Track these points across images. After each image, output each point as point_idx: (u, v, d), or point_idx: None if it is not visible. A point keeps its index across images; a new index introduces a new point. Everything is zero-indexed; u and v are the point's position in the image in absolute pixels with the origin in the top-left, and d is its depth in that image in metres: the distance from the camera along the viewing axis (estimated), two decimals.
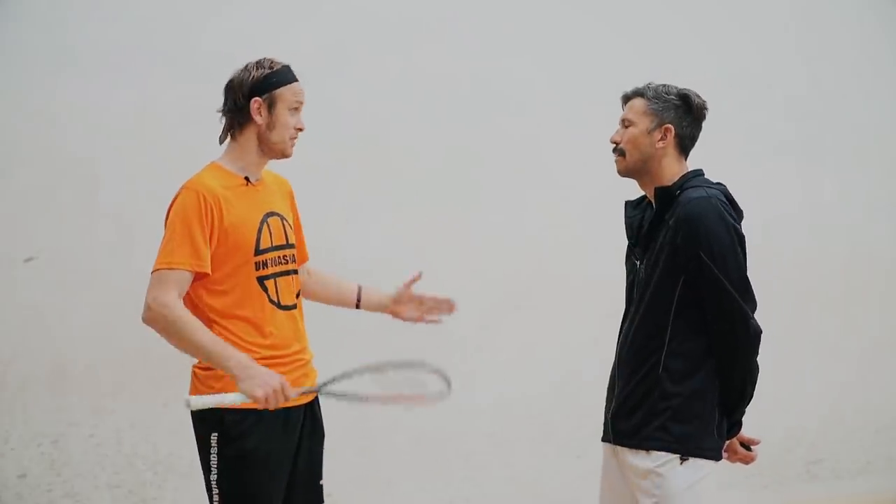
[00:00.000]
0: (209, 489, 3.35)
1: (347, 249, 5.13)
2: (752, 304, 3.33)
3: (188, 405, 3.14)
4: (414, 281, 3.73)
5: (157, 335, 3.30)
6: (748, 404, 3.40)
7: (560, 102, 5.77)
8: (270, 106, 3.39)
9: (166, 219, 3.35)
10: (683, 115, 3.44)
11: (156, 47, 5.05)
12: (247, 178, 3.42)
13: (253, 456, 3.32)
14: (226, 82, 3.43)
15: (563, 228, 5.76)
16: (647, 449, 3.35)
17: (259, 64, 3.42)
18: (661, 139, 3.43)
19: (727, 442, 3.50)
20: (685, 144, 3.47)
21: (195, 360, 3.40)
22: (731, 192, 3.47)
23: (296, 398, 3.39)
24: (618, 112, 3.52)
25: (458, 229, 5.55)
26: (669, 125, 3.42)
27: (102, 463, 4.95)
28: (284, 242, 3.46)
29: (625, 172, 3.49)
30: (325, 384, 3.31)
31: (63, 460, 4.89)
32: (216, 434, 3.32)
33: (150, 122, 5.03)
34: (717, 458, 3.39)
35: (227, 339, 3.28)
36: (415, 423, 5.47)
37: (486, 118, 5.64)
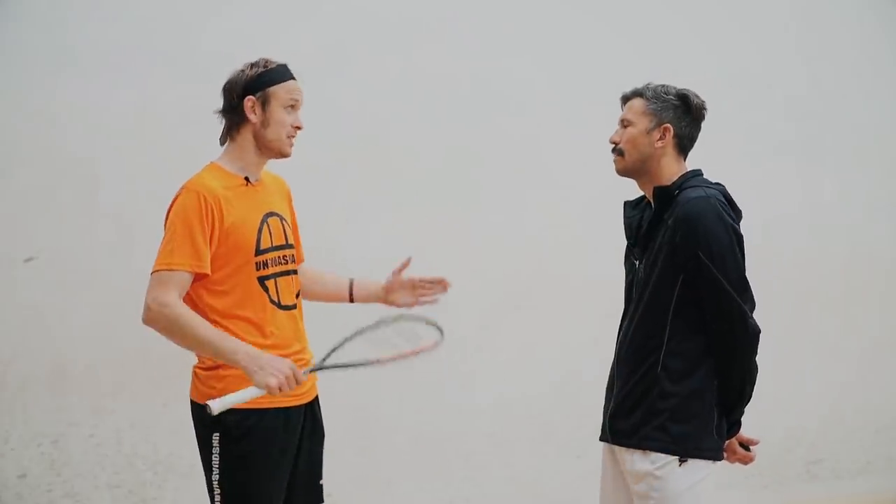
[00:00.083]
0: (210, 489, 3.36)
1: (347, 249, 5.13)
2: (751, 303, 3.33)
3: (210, 411, 3.13)
4: (404, 267, 3.72)
5: (158, 335, 3.30)
6: (747, 404, 3.41)
7: (560, 102, 5.77)
8: (264, 104, 3.39)
9: (166, 219, 3.35)
10: (682, 114, 3.45)
11: (156, 47, 5.05)
12: (247, 179, 3.42)
13: (254, 456, 3.33)
14: (224, 83, 3.44)
15: (563, 228, 5.76)
16: (645, 449, 3.35)
17: (254, 64, 3.43)
18: (660, 139, 3.43)
19: (728, 443, 3.50)
20: (684, 144, 3.47)
21: (196, 361, 3.40)
22: (730, 191, 3.47)
23: (297, 396, 3.40)
24: (618, 112, 3.52)
25: (458, 229, 5.55)
26: (668, 125, 3.43)
27: (102, 463, 4.95)
28: (284, 242, 3.46)
29: (623, 172, 3.50)
30: (327, 356, 3.32)
31: (63, 460, 4.90)
32: (218, 434, 3.32)
33: (150, 122, 5.03)
34: (718, 458, 3.40)
35: None
36: (415, 423, 5.47)
37: (486, 118, 5.64)
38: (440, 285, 3.74)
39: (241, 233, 3.34)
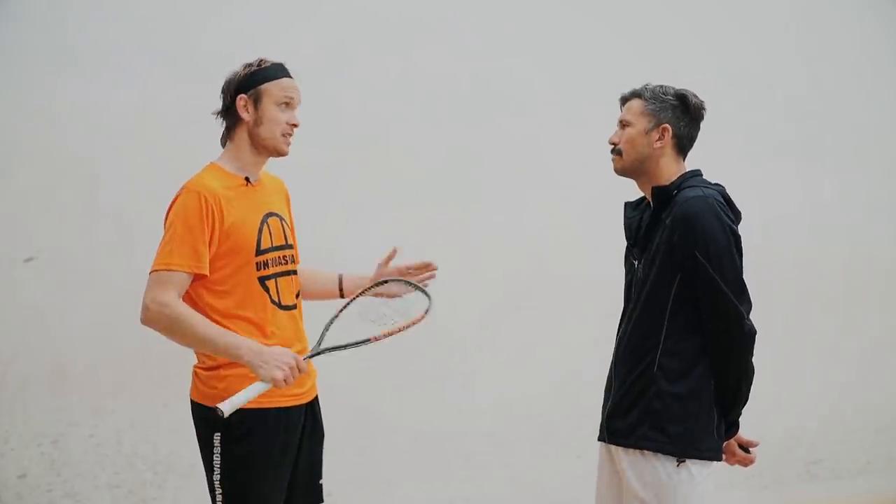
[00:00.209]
0: (212, 489, 3.36)
1: (347, 249, 5.13)
2: (747, 304, 3.33)
3: (220, 413, 3.12)
4: (389, 258, 3.71)
5: (157, 335, 3.30)
6: (744, 405, 3.40)
7: (560, 102, 5.77)
8: (256, 102, 3.39)
9: (166, 219, 3.35)
10: (681, 115, 3.45)
11: (156, 47, 5.05)
12: (247, 179, 3.42)
13: (255, 456, 3.33)
14: (222, 85, 3.45)
15: (563, 228, 5.76)
16: (642, 449, 3.35)
17: (249, 64, 3.43)
18: (659, 139, 3.44)
19: (726, 444, 3.50)
20: (683, 144, 3.47)
21: (196, 361, 3.40)
22: (730, 192, 3.47)
23: (297, 395, 3.41)
24: (617, 112, 3.53)
25: (458, 229, 5.55)
26: (667, 125, 3.43)
27: (102, 463, 4.95)
28: (284, 243, 3.46)
29: (622, 172, 3.50)
30: (320, 339, 3.34)
31: (63, 460, 4.90)
32: (219, 434, 3.32)
33: (150, 122, 5.03)
34: (716, 458, 3.39)
35: None
36: (415, 423, 5.47)
37: (486, 118, 5.64)
38: (428, 270, 3.73)
39: (241, 233, 3.34)
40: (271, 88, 3.39)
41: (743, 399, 3.38)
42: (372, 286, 3.57)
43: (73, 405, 4.91)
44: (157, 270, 3.26)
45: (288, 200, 3.63)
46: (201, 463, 3.38)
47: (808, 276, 6.27)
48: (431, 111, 5.55)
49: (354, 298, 3.50)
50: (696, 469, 3.34)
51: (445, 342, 5.51)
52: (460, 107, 5.59)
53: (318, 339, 3.35)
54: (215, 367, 3.32)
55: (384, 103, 5.45)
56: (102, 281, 4.91)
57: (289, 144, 3.43)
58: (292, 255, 3.50)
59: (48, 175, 4.90)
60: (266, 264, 3.39)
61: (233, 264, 3.33)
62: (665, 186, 3.41)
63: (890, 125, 6.49)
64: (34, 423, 4.87)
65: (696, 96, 3.48)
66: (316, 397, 3.54)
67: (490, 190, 5.66)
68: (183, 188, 3.34)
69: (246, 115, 3.39)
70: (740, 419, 3.44)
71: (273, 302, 3.39)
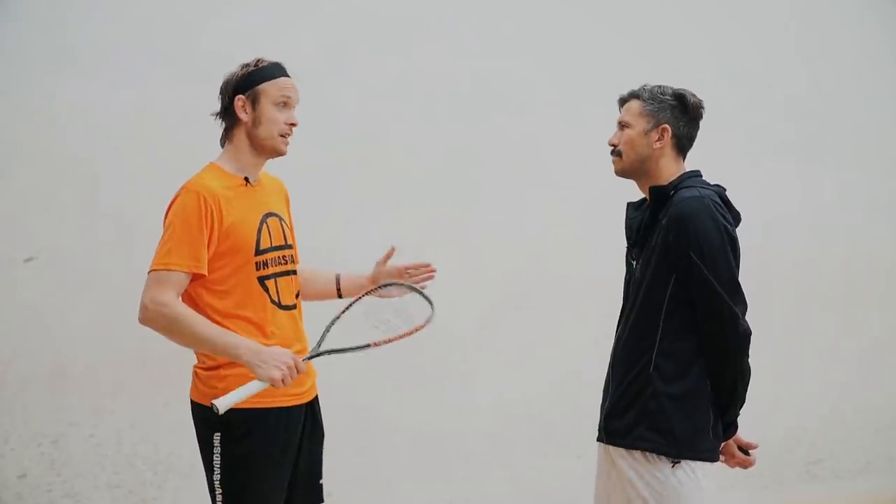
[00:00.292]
0: (212, 489, 3.36)
1: (347, 249, 5.12)
2: (742, 305, 3.32)
3: (216, 410, 3.13)
4: (387, 257, 3.71)
5: (158, 335, 3.30)
6: (741, 406, 3.40)
7: (560, 102, 5.77)
8: (254, 102, 3.39)
9: (165, 219, 3.35)
10: (680, 114, 3.45)
11: (156, 47, 5.05)
12: (246, 179, 3.42)
13: (255, 456, 3.33)
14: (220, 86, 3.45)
15: (563, 228, 5.76)
16: (639, 449, 3.35)
17: (246, 64, 3.43)
18: (658, 139, 3.44)
19: (725, 446, 3.50)
20: (682, 144, 3.47)
21: (196, 361, 3.40)
22: (730, 192, 3.47)
23: (297, 395, 3.41)
24: (618, 112, 3.53)
25: (458, 229, 5.55)
26: (666, 125, 3.44)
27: (102, 463, 4.95)
28: (283, 243, 3.47)
29: (622, 173, 3.51)
30: (321, 340, 3.34)
31: (63, 460, 4.89)
32: (219, 434, 3.32)
33: (150, 122, 5.03)
34: (713, 459, 3.39)
35: None
36: (415, 423, 5.47)
37: (486, 118, 5.64)
38: (427, 271, 3.73)
39: (240, 233, 3.34)
40: (269, 88, 3.39)
41: (739, 399, 3.37)
42: (375, 288, 3.56)
43: (73, 405, 4.91)
44: (155, 270, 3.26)
45: (287, 201, 3.63)
46: (201, 463, 3.38)
47: (808, 276, 6.27)
48: (431, 111, 5.55)
49: (358, 299, 3.49)
50: (694, 470, 3.33)
51: (445, 342, 5.51)
52: (460, 107, 5.59)
53: (318, 340, 3.35)
54: (215, 366, 3.32)
55: (384, 103, 5.45)
56: (102, 281, 4.91)
57: (287, 144, 3.43)
58: (292, 255, 3.50)
59: (48, 175, 4.90)
60: (265, 264, 3.39)
61: (232, 264, 3.33)
62: (662, 187, 3.41)
63: (890, 125, 6.49)
64: (34, 423, 4.86)
65: (694, 96, 3.48)
66: (316, 397, 3.54)
67: (490, 190, 5.66)
68: (182, 188, 3.34)
69: (244, 116, 3.39)
70: (739, 420, 3.44)
71: (273, 302, 3.39)
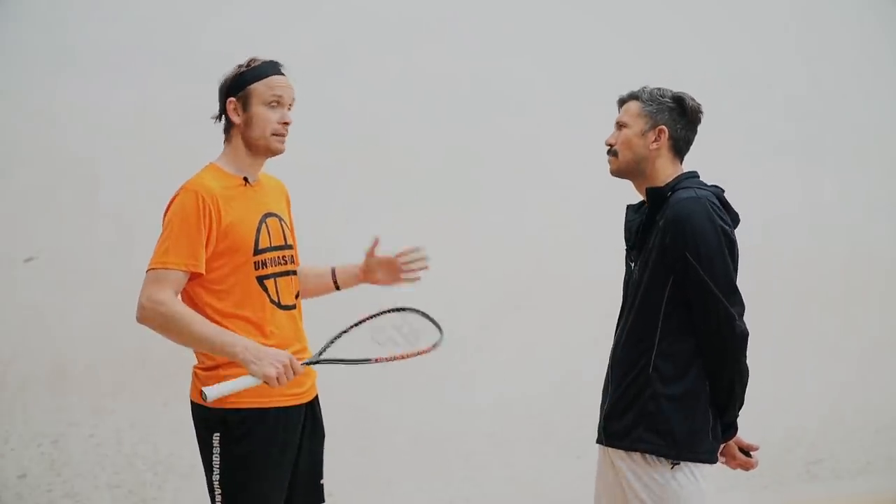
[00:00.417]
0: (211, 489, 3.36)
1: (347, 249, 5.09)
2: (739, 306, 3.32)
3: (205, 398, 3.14)
4: (375, 245, 3.71)
5: (158, 335, 3.30)
6: (740, 407, 3.39)
7: (560, 102, 5.77)
8: (245, 104, 3.39)
9: (164, 218, 3.35)
10: (678, 117, 3.45)
11: (156, 47, 5.05)
12: (245, 179, 3.42)
13: (255, 456, 3.32)
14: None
15: (563, 228, 5.76)
16: (638, 451, 3.34)
17: (239, 65, 3.43)
18: (655, 140, 3.44)
19: (726, 447, 3.49)
20: (679, 147, 3.48)
21: (196, 361, 3.40)
22: (731, 192, 3.47)
23: (297, 395, 3.41)
24: (617, 112, 3.53)
25: (458, 229, 5.55)
26: (663, 127, 3.44)
27: (102, 463, 4.95)
28: (283, 243, 3.47)
29: (617, 173, 3.51)
30: (324, 349, 3.34)
31: (63, 460, 4.89)
32: (218, 434, 3.32)
33: (150, 122, 5.03)
34: (712, 460, 3.38)
35: None
36: (415, 423, 5.47)
37: (486, 118, 5.64)
38: (418, 260, 3.72)
39: (239, 232, 3.34)
40: (259, 88, 3.39)
41: (737, 400, 3.37)
42: (389, 311, 3.54)
43: (73, 405, 4.91)
44: (153, 269, 3.27)
45: (288, 202, 3.64)
46: (201, 463, 3.38)
47: (808, 276, 6.27)
48: (431, 111, 5.55)
49: (371, 317, 3.47)
50: (693, 472, 3.33)
51: (445, 342, 5.50)
52: (460, 107, 5.59)
53: (321, 348, 3.35)
54: (214, 366, 3.33)
55: (384, 103, 5.45)
56: (102, 281, 4.91)
57: (282, 143, 3.42)
58: (292, 256, 3.50)
59: (48, 175, 4.90)
60: (264, 264, 3.39)
61: (231, 264, 3.34)
62: (659, 188, 3.41)
63: (890, 125, 6.49)
64: (34, 423, 4.86)
65: (693, 99, 3.48)
66: (316, 397, 3.54)
67: (490, 190, 5.66)
68: (181, 188, 3.35)
69: (236, 119, 3.40)
70: (740, 420, 3.44)
71: (272, 301, 3.39)
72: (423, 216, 5.47)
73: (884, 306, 6.42)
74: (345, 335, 3.40)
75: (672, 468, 3.32)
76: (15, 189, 4.87)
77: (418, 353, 3.41)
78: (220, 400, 3.24)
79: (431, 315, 3.51)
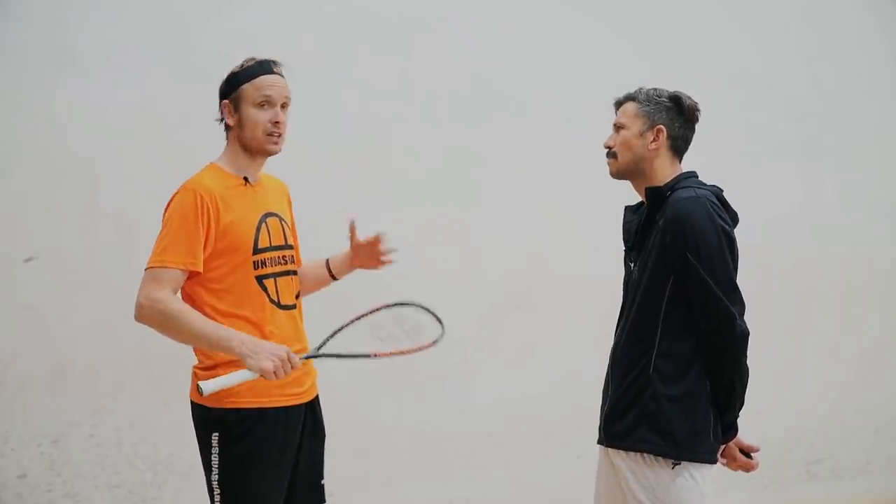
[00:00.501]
0: (210, 489, 3.36)
1: None
2: (740, 305, 3.31)
3: (201, 392, 3.14)
4: (352, 231, 3.68)
5: (158, 335, 3.31)
6: (740, 407, 3.39)
7: (560, 102, 5.77)
8: (236, 105, 3.39)
9: (163, 217, 3.35)
10: (675, 116, 3.46)
11: (156, 47, 5.05)
12: (245, 179, 3.42)
13: (254, 456, 3.33)
14: None
15: (563, 228, 5.76)
16: (639, 451, 3.34)
17: (237, 66, 3.43)
18: (654, 140, 3.44)
19: (726, 449, 3.49)
20: (678, 146, 3.48)
21: (195, 361, 3.40)
22: (731, 192, 3.47)
23: (297, 395, 3.41)
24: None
25: (458, 229, 5.55)
26: (661, 126, 3.44)
27: (102, 463, 4.95)
28: (283, 243, 3.47)
29: (617, 175, 3.51)
30: (323, 343, 3.34)
31: (63, 460, 4.89)
32: (217, 434, 3.33)
33: (150, 122, 5.03)
34: (713, 461, 3.38)
35: None
36: (415, 423, 5.47)
37: (486, 118, 5.64)
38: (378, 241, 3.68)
39: (238, 231, 3.35)
40: (248, 89, 3.39)
41: (738, 400, 3.36)
42: (390, 305, 3.53)
43: (73, 405, 4.91)
44: (151, 267, 3.28)
45: (290, 202, 3.64)
46: (201, 463, 3.38)
47: (808, 276, 6.27)
48: (431, 111, 5.55)
49: (372, 312, 3.48)
50: (694, 472, 3.33)
51: (445, 342, 5.49)
52: (460, 107, 5.59)
53: (321, 342, 3.35)
54: (213, 366, 3.33)
55: (384, 103, 5.45)
56: (102, 281, 4.91)
57: (276, 143, 3.41)
58: (292, 256, 3.50)
59: (48, 175, 4.90)
60: (263, 263, 3.39)
61: (230, 263, 3.34)
62: (658, 187, 3.41)
63: (890, 125, 6.49)
64: (34, 423, 4.86)
65: (689, 98, 3.48)
66: (317, 397, 3.54)
67: (490, 190, 5.66)
68: (180, 187, 3.36)
69: (230, 120, 3.41)
70: (740, 420, 3.44)
71: (272, 301, 3.39)
72: (423, 216, 5.47)
73: (884, 306, 6.42)
74: (345, 330, 3.40)
75: (672, 468, 3.31)
76: (15, 189, 4.87)
77: (419, 349, 3.41)
78: (219, 399, 3.25)
79: (432, 310, 3.50)
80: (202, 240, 3.29)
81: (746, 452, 3.54)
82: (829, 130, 6.34)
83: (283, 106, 3.42)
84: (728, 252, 3.31)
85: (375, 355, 3.36)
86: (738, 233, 3.40)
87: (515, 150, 5.69)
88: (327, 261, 3.76)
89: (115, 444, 4.97)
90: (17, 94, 4.88)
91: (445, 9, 5.61)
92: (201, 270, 3.30)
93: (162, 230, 3.32)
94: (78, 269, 4.91)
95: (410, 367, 5.44)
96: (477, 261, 5.58)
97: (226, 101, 3.41)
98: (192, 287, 3.33)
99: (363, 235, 3.70)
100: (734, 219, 3.42)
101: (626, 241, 3.54)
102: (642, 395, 3.34)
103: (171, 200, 3.36)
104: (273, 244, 3.42)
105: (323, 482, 3.55)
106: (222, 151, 3.46)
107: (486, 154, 5.65)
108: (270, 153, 3.43)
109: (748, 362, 3.36)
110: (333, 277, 3.75)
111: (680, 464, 3.31)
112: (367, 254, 3.71)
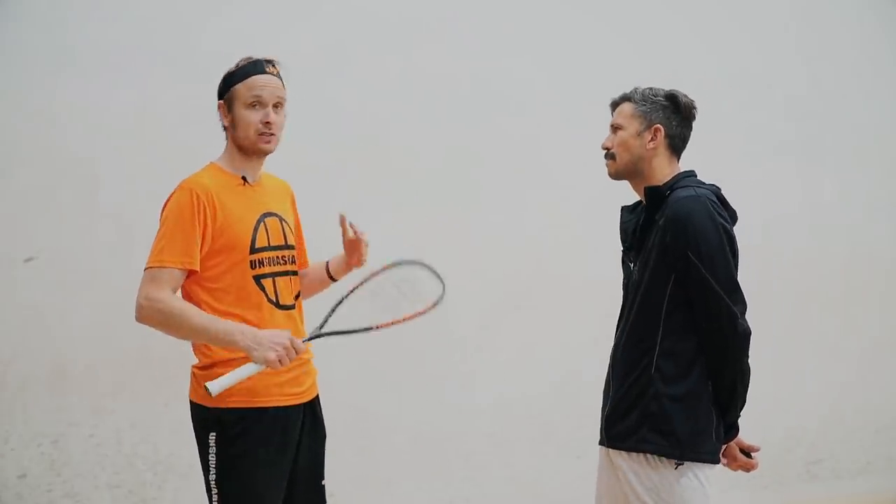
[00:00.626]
0: (208, 489, 3.36)
1: None
2: (741, 304, 3.31)
3: (210, 392, 3.14)
4: (343, 225, 3.63)
5: (158, 335, 3.31)
6: (742, 406, 3.38)
7: (560, 102, 5.77)
8: (229, 106, 3.40)
9: (160, 216, 3.36)
10: (672, 114, 3.45)
11: (156, 47, 5.05)
12: (244, 178, 3.42)
13: (251, 456, 3.32)
14: None
15: (563, 228, 5.76)
16: (642, 452, 3.33)
17: (231, 66, 3.43)
18: (652, 140, 3.44)
19: (727, 449, 3.48)
20: (676, 144, 3.47)
21: (195, 360, 3.40)
22: (730, 192, 3.46)
23: (297, 395, 3.40)
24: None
25: (458, 229, 5.55)
26: (659, 125, 3.44)
27: (102, 463, 4.95)
28: (283, 243, 3.46)
29: (615, 175, 3.51)
30: (324, 321, 3.35)
31: (63, 460, 4.89)
32: (214, 434, 3.32)
33: (150, 122, 5.03)
34: (715, 461, 3.37)
35: None
36: (415, 423, 5.47)
37: (486, 118, 5.64)
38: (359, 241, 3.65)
39: (235, 231, 3.35)
40: (239, 90, 3.39)
41: (739, 400, 3.36)
42: (383, 268, 3.52)
43: (73, 405, 4.91)
44: (150, 268, 3.29)
45: (293, 203, 3.63)
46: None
47: (808, 276, 6.27)
48: (431, 111, 5.54)
49: (366, 280, 3.47)
50: (698, 472, 3.32)
51: (445, 342, 5.51)
52: (460, 107, 5.59)
53: (322, 321, 3.35)
54: (210, 364, 3.33)
55: (384, 103, 5.45)
56: (102, 281, 4.91)
57: (268, 142, 3.40)
58: (292, 256, 3.50)
59: (48, 175, 4.90)
60: (261, 263, 3.38)
61: (227, 262, 3.34)
62: (658, 187, 3.41)
63: (890, 125, 6.49)
64: (34, 423, 4.86)
65: (686, 96, 3.48)
66: (317, 397, 3.54)
67: (490, 190, 5.65)
68: (178, 186, 3.36)
69: (224, 121, 3.41)
70: (740, 421, 3.43)
71: (270, 301, 3.39)
72: (423, 216, 5.47)
73: (884, 306, 6.42)
74: (340, 308, 3.39)
75: (676, 469, 3.31)
76: (15, 189, 4.87)
77: (418, 314, 3.41)
78: (218, 399, 3.24)
79: (430, 266, 3.49)
80: (199, 239, 3.29)
81: (747, 452, 3.53)
82: (829, 130, 6.34)
83: (277, 106, 3.40)
84: (729, 251, 3.31)
85: (377, 327, 3.36)
86: (738, 233, 3.40)
87: (515, 150, 5.69)
88: (327, 265, 3.76)
89: (115, 444, 4.97)
90: (17, 94, 4.88)
91: (445, 9, 5.61)
92: (198, 269, 3.30)
93: (159, 230, 3.33)
94: (78, 269, 4.91)
95: (411, 367, 5.45)
96: (477, 261, 5.58)
97: (221, 101, 3.41)
98: (190, 286, 3.34)
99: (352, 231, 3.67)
100: (733, 217, 3.41)
101: (623, 241, 3.54)
102: (644, 395, 3.33)
103: (168, 199, 3.37)
104: (271, 244, 3.42)
105: (324, 483, 3.55)
106: (222, 151, 3.47)
107: (486, 154, 5.65)
108: (264, 152, 3.43)
109: (749, 362, 3.36)
110: (332, 279, 3.74)
111: (683, 464, 3.30)
112: (352, 248, 3.68)
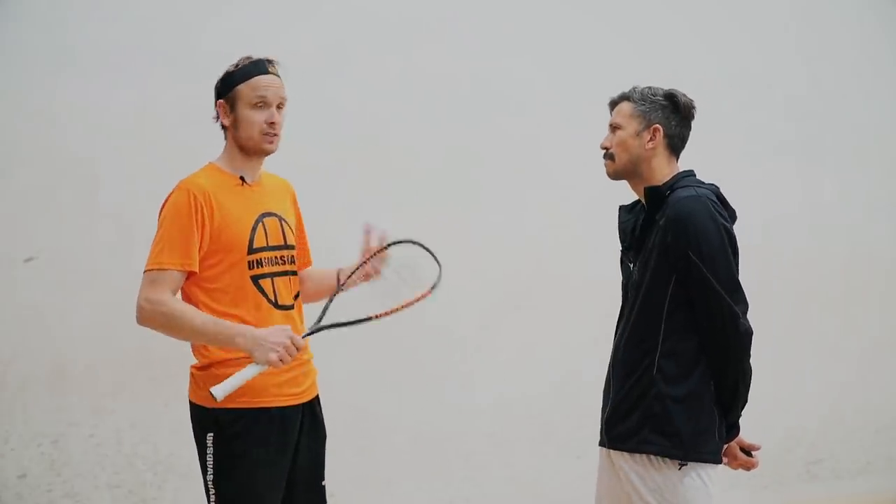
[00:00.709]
0: (207, 489, 3.36)
1: (347, 249, 5.09)
2: (743, 304, 3.30)
3: (215, 398, 3.14)
4: (367, 232, 3.59)
5: (158, 335, 3.31)
6: (743, 406, 3.38)
7: (560, 102, 5.77)
8: (232, 106, 3.39)
9: (159, 217, 3.36)
10: (671, 114, 3.44)
11: (156, 47, 5.05)
12: (242, 178, 3.42)
13: (249, 456, 3.32)
14: None
15: (563, 228, 5.76)
16: (644, 453, 3.32)
17: (232, 64, 3.42)
18: (651, 140, 3.43)
19: (728, 448, 3.48)
20: (675, 144, 3.46)
21: (194, 361, 3.40)
22: (730, 192, 3.46)
23: (296, 395, 3.40)
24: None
25: (458, 229, 5.54)
26: (658, 125, 3.43)
27: (102, 463, 4.94)
28: (282, 243, 3.46)
29: (614, 175, 3.50)
30: (322, 314, 3.34)
31: (63, 460, 4.89)
32: (212, 434, 3.32)
33: (150, 122, 5.02)
34: (717, 461, 3.37)
35: None
36: (415, 423, 5.47)
37: (486, 118, 5.64)
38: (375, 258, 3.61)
39: (232, 231, 3.34)
40: (243, 90, 3.38)
41: (741, 399, 3.35)
42: (380, 249, 3.51)
43: (73, 405, 4.91)
44: (149, 270, 3.29)
45: (295, 203, 3.62)
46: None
47: (808, 276, 6.27)
48: (431, 111, 5.54)
49: (361, 265, 3.46)
50: (701, 472, 3.31)
51: (445, 342, 5.51)
52: (460, 107, 5.59)
53: (319, 314, 3.35)
54: (208, 365, 3.33)
55: (384, 103, 5.45)
56: (102, 281, 4.91)
57: (272, 142, 3.40)
58: (292, 256, 3.49)
59: (48, 175, 4.90)
60: (259, 263, 3.38)
61: (225, 262, 3.34)
62: (658, 187, 3.40)
63: (890, 125, 6.49)
64: (34, 423, 4.86)
65: (685, 95, 3.47)
66: (317, 397, 3.53)
67: (490, 190, 5.65)
68: (175, 187, 3.36)
69: (225, 121, 3.40)
70: (741, 420, 3.43)
71: (269, 301, 3.39)
72: (423, 216, 5.46)
73: (884, 306, 6.42)
74: (337, 299, 3.39)
75: (679, 469, 3.30)
76: (15, 189, 4.87)
77: (416, 300, 3.40)
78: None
79: (426, 245, 3.48)
80: (197, 240, 3.29)
81: (747, 451, 3.53)
82: (829, 130, 6.34)
83: (279, 106, 3.41)
84: (730, 251, 3.31)
85: (376, 317, 3.36)
86: (738, 233, 3.40)
87: (515, 150, 5.69)
88: (338, 273, 3.67)
89: (115, 444, 4.97)
90: (17, 94, 4.88)
91: (445, 9, 5.61)
92: (197, 270, 3.30)
93: (157, 232, 3.32)
94: (78, 269, 4.91)
95: (411, 367, 5.45)
96: (477, 261, 5.58)
97: (221, 101, 3.40)
98: (189, 287, 3.34)
99: (357, 234, 3.65)
100: (732, 217, 3.41)
101: (622, 240, 3.53)
102: (646, 395, 3.32)
103: (165, 201, 3.36)
104: (270, 244, 3.42)
105: (324, 483, 3.54)
106: (221, 151, 3.46)
107: (486, 154, 5.64)
108: (267, 152, 3.43)
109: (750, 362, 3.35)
110: (340, 287, 3.69)
111: (686, 464, 3.29)
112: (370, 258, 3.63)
